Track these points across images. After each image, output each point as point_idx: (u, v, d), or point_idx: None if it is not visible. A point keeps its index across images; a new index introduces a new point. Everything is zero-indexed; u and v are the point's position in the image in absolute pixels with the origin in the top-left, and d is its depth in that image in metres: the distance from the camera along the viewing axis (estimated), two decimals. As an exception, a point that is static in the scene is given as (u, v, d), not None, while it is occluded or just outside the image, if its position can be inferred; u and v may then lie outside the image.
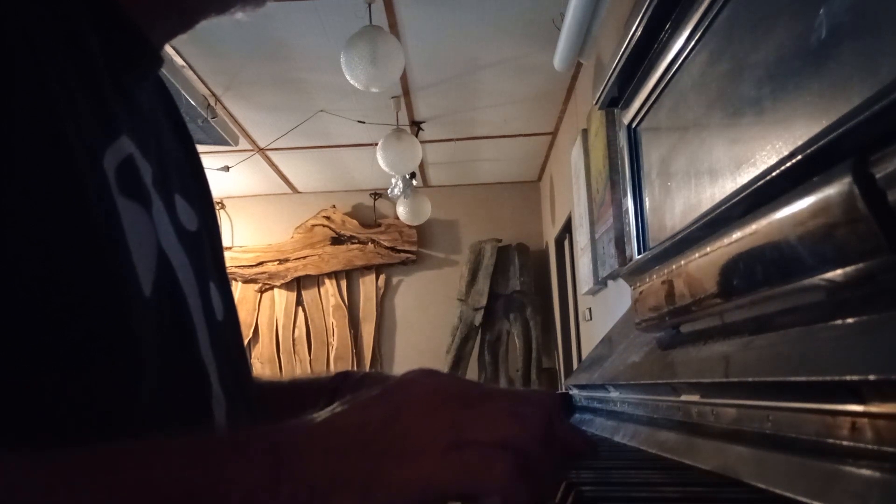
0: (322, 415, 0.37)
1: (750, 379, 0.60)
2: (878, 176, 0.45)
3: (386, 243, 5.61)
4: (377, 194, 5.63)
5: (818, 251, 0.52)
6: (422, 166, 4.94)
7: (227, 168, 4.73)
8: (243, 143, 4.35)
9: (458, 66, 3.46)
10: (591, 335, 3.43)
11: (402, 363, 5.61)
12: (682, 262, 0.80)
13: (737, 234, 0.66)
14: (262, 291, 5.61)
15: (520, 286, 5.21)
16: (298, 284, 5.64)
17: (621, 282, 2.13)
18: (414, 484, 0.35)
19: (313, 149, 4.63)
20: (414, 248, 5.62)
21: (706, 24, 0.90)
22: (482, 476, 0.35)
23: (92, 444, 0.35)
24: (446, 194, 5.61)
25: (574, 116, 3.73)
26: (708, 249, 0.73)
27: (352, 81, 2.81)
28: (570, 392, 1.29)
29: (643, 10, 1.01)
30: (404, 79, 3.50)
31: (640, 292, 0.97)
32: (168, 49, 0.61)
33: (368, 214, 5.70)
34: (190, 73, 3.36)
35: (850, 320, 0.50)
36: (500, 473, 0.35)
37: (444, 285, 5.52)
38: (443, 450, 0.35)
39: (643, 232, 1.22)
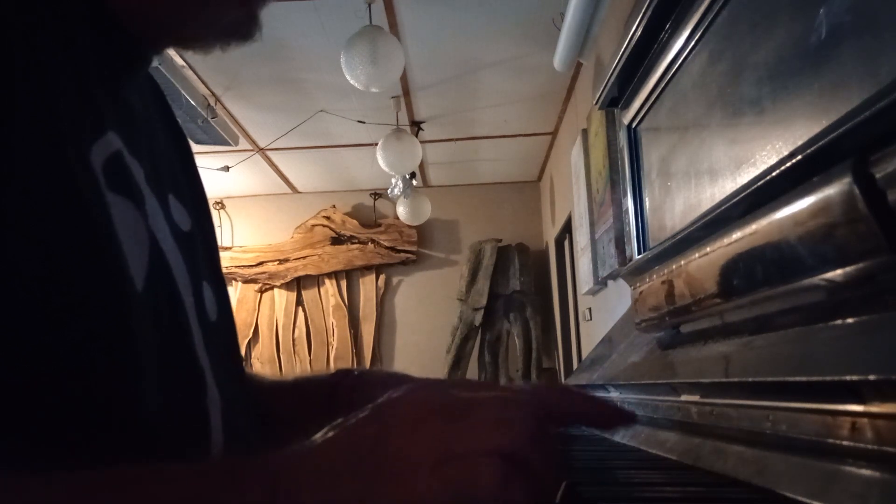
0: (314, 440, 0.38)
1: (750, 379, 0.60)
2: (878, 176, 0.45)
3: (386, 243, 5.61)
4: (377, 194, 5.63)
5: (818, 251, 0.52)
6: (422, 166, 4.94)
7: (227, 168, 4.73)
8: (243, 143, 4.35)
9: (458, 66, 3.46)
10: (591, 335, 3.43)
11: (402, 363, 5.61)
12: (682, 262, 0.80)
13: (737, 234, 0.66)
14: (262, 291, 5.61)
15: (520, 286, 5.21)
16: (298, 284, 5.64)
17: (621, 282, 2.13)
18: (407, 503, 0.35)
19: (313, 149, 4.63)
20: (414, 248, 5.62)
21: (706, 24, 0.90)
22: (473, 486, 0.36)
23: (88, 464, 0.35)
24: (446, 194, 5.61)
25: (574, 116, 3.73)
26: (708, 249, 0.73)
27: (352, 81, 2.81)
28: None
29: (643, 10, 1.01)
30: (404, 79, 3.50)
31: (640, 292, 0.97)
32: (168, 49, 0.61)
33: (368, 214, 5.70)
34: (190, 73, 3.36)
35: (850, 320, 0.50)
36: (490, 481, 0.36)
37: (444, 285, 5.52)
38: (432, 466, 0.36)
39: (643, 232, 1.22)
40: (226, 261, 5.31)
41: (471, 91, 3.77)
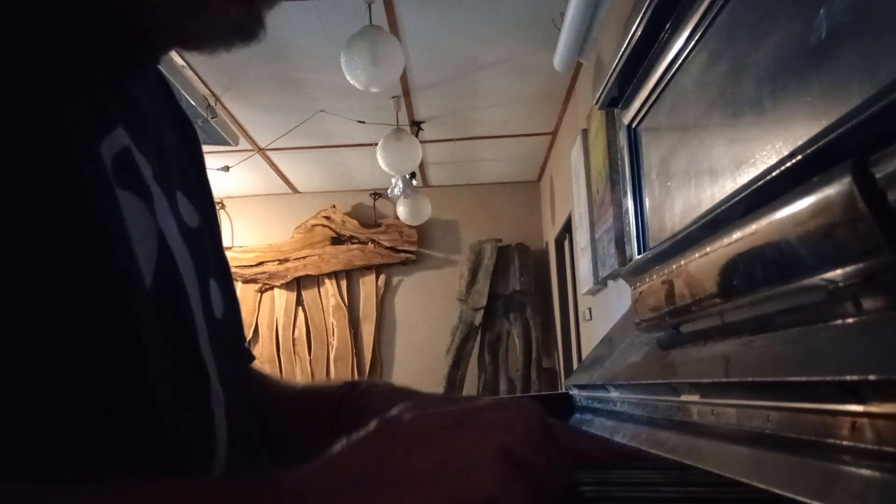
0: (319, 459, 0.38)
1: (750, 379, 0.60)
2: (878, 176, 0.45)
3: (386, 243, 5.61)
4: (377, 194, 5.63)
5: (818, 251, 0.52)
6: (422, 166, 4.94)
7: (227, 168, 4.73)
8: (243, 143, 4.35)
9: (458, 66, 3.46)
10: (591, 335, 3.43)
11: (402, 363, 5.61)
12: (682, 262, 0.80)
13: (737, 234, 0.66)
14: (262, 291, 5.61)
15: (520, 286, 5.21)
16: (298, 284, 5.64)
17: (621, 282, 2.13)
18: None
19: (313, 149, 4.63)
20: (414, 248, 5.62)
21: (706, 24, 0.90)
22: (474, 487, 0.36)
23: (92, 465, 0.35)
24: (446, 194, 5.61)
25: (574, 116, 3.73)
26: (708, 249, 0.73)
27: (352, 81, 2.81)
28: (571, 392, 1.29)
29: (643, 10, 1.01)
30: (404, 79, 3.50)
31: (640, 292, 0.97)
32: (173, 50, 0.62)
33: (368, 214, 5.70)
34: (190, 73, 3.36)
35: (850, 320, 0.50)
36: (490, 481, 0.36)
37: (444, 285, 5.52)
38: (434, 474, 0.36)
39: (643, 232, 1.22)
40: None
41: (471, 91, 3.77)
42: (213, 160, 4.55)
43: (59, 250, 0.38)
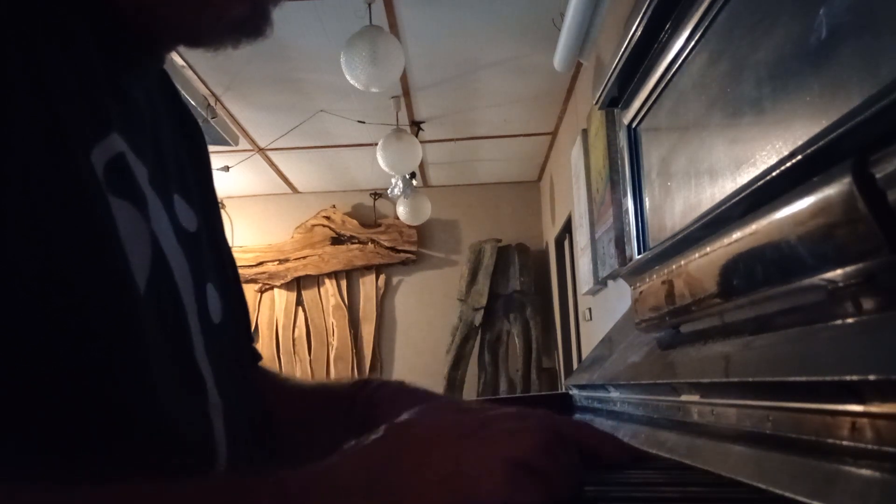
0: (327, 461, 0.38)
1: (750, 379, 0.60)
2: (878, 176, 0.45)
3: (386, 243, 5.61)
4: (377, 194, 5.63)
5: (818, 251, 0.52)
6: (422, 166, 4.94)
7: (227, 168, 4.73)
8: (243, 143, 4.35)
9: (458, 66, 3.46)
10: (591, 335, 3.43)
11: (402, 363, 5.61)
12: (682, 262, 0.80)
13: (737, 234, 0.66)
14: (262, 291, 5.61)
15: (520, 286, 5.21)
16: (298, 284, 5.64)
17: (621, 282, 2.13)
18: None
19: (313, 149, 4.63)
20: (414, 248, 5.62)
21: (706, 24, 0.90)
22: (484, 495, 0.36)
23: (91, 470, 0.35)
24: (446, 194, 5.61)
25: (574, 116, 3.73)
26: (708, 249, 0.73)
27: (352, 81, 2.81)
28: (571, 392, 1.29)
29: (643, 10, 1.01)
30: (404, 79, 3.50)
31: (640, 292, 0.97)
32: (178, 48, 0.61)
33: (368, 214, 5.70)
34: (190, 73, 3.36)
35: (850, 320, 0.50)
36: (500, 490, 0.36)
37: (444, 285, 5.52)
38: (443, 481, 0.36)
39: (643, 232, 1.22)
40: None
41: (471, 91, 3.77)
42: (214, 160, 4.52)
43: (55, 252, 0.37)
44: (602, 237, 2.89)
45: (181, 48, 0.53)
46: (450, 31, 3.10)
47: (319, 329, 5.61)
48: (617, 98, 1.26)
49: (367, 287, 5.67)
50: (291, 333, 5.61)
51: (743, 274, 0.66)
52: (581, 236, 3.35)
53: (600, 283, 3.02)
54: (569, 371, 4.47)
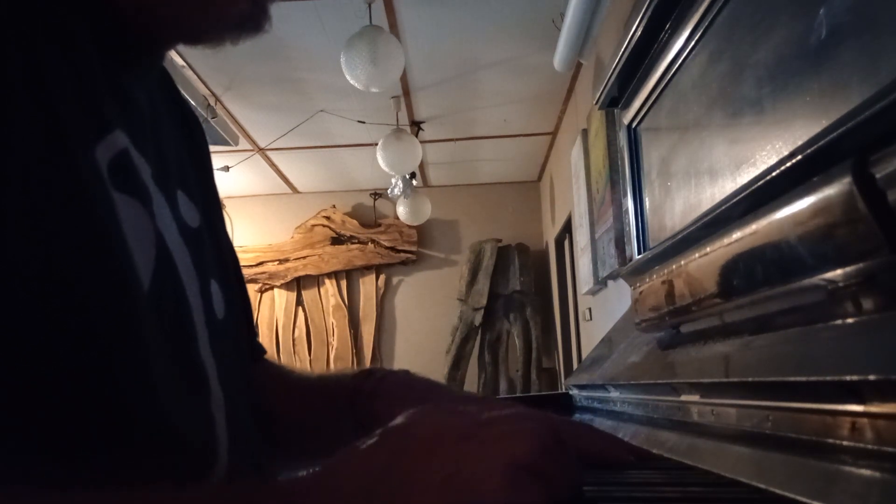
0: (328, 463, 0.38)
1: (750, 379, 0.60)
2: (878, 176, 0.45)
3: (386, 243, 5.61)
4: (377, 194, 5.63)
5: (818, 251, 0.52)
6: (422, 166, 4.94)
7: (227, 168, 4.73)
8: (243, 143, 4.35)
9: (458, 66, 3.46)
10: (591, 335, 3.43)
11: (402, 363, 5.61)
12: (682, 262, 0.80)
13: (737, 234, 0.66)
14: (262, 291, 5.61)
15: (520, 286, 5.21)
16: (298, 284, 5.64)
17: (621, 282, 2.13)
18: None
19: (313, 149, 4.63)
20: (414, 248, 5.62)
21: (706, 24, 0.90)
22: (483, 492, 0.36)
23: (92, 469, 0.34)
24: (446, 194, 5.61)
25: (574, 116, 3.73)
26: (708, 249, 0.73)
27: (352, 81, 2.81)
28: (571, 392, 1.29)
29: (643, 10, 1.01)
30: (404, 79, 3.50)
31: (640, 292, 0.97)
32: (178, 45, 0.61)
33: (368, 214, 5.70)
34: (190, 73, 3.36)
35: (850, 320, 0.50)
36: (500, 492, 0.36)
37: (444, 285, 5.52)
38: (443, 484, 0.36)
39: (643, 232, 1.22)
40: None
41: (471, 91, 3.77)
42: (214, 160, 4.52)
43: (57, 251, 0.37)
44: (602, 237, 2.89)
45: (181, 47, 0.54)
46: (450, 31, 3.10)
47: (319, 329, 5.61)
48: (617, 98, 1.26)
49: (367, 287, 5.67)
50: (291, 333, 5.61)
51: (743, 274, 0.66)
52: (581, 236, 3.35)
53: (600, 283, 3.02)
54: (569, 371, 4.47)
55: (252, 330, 0.70)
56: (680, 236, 0.81)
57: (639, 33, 1.05)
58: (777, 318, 0.63)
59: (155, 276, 0.44)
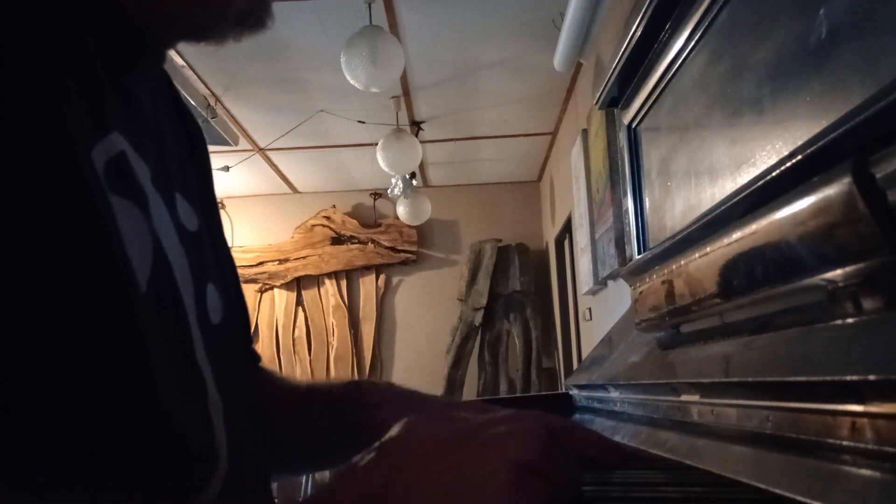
0: (328, 484, 0.38)
1: (750, 379, 0.60)
2: (878, 176, 0.45)
3: (386, 243, 5.61)
4: (377, 194, 5.63)
5: (818, 251, 0.52)
6: (422, 166, 4.94)
7: (227, 168, 4.73)
8: (243, 143, 4.35)
9: (458, 66, 3.46)
10: (591, 335, 3.43)
11: (402, 363, 5.62)
12: (682, 262, 0.80)
13: (737, 234, 0.66)
14: (262, 291, 5.61)
15: (520, 286, 5.21)
16: (298, 284, 5.64)
17: (621, 282, 2.13)
18: None
19: (313, 149, 4.63)
20: (414, 248, 5.62)
21: (706, 24, 0.90)
22: (485, 494, 0.36)
23: (92, 473, 0.34)
24: (446, 194, 5.61)
25: (574, 116, 3.73)
26: (708, 249, 0.73)
27: (352, 81, 2.81)
28: (571, 392, 1.29)
29: (643, 10, 1.01)
30: (404, 79, 3.50)
31: (640, 292, 0.97)
32: (179, 43, 0.61)
33: (368, 214, 5.70)
34: (190, 73, 3.36)
35: (850, 320, 0.50)
36: (502, 486, 0.36)
37: (444, 285, 5.52)
38: (444, 491, 0.36)
39: (643, 232, 1.22)
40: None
41: (471, 91, 3.77)
42: (214, 160, 4.52)
43: (56, 252, 0.37)
44: (602, 237, 2.89)
45: (181, 45, 0.53)
46: (450, 31, 3.10)
47: (319, 329, 5.61)
48: (617, 98, 1.26)
49: (367, 287, 5.67)
50: (291, 333, 5.61)
51: (743, 274, 0.65)
52: (581, 236, 3.35)
53: (600, 283, 3.02)
54: (569, 371, 4.47)
55: (249, 336, 0.70)
56: (680, 236, 0.81)
57: (639, 33, 1.05)
58: (777, 318, 0.63)
59: (151, 278, 0.44)
